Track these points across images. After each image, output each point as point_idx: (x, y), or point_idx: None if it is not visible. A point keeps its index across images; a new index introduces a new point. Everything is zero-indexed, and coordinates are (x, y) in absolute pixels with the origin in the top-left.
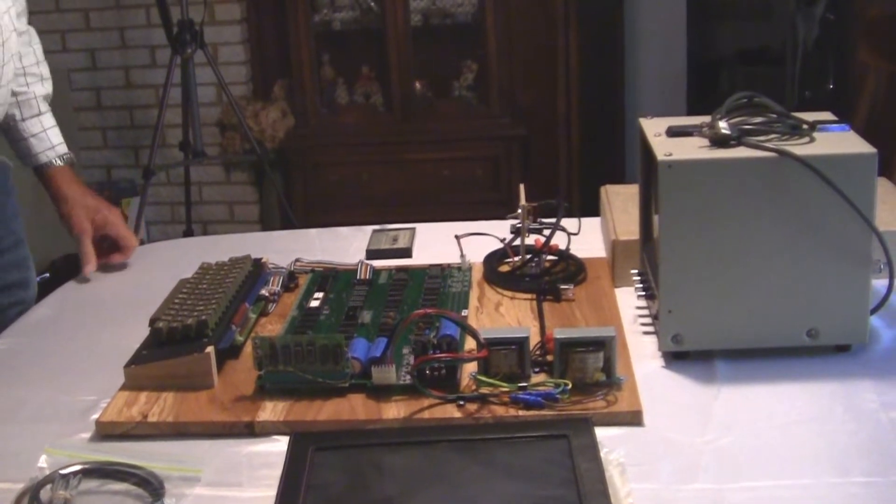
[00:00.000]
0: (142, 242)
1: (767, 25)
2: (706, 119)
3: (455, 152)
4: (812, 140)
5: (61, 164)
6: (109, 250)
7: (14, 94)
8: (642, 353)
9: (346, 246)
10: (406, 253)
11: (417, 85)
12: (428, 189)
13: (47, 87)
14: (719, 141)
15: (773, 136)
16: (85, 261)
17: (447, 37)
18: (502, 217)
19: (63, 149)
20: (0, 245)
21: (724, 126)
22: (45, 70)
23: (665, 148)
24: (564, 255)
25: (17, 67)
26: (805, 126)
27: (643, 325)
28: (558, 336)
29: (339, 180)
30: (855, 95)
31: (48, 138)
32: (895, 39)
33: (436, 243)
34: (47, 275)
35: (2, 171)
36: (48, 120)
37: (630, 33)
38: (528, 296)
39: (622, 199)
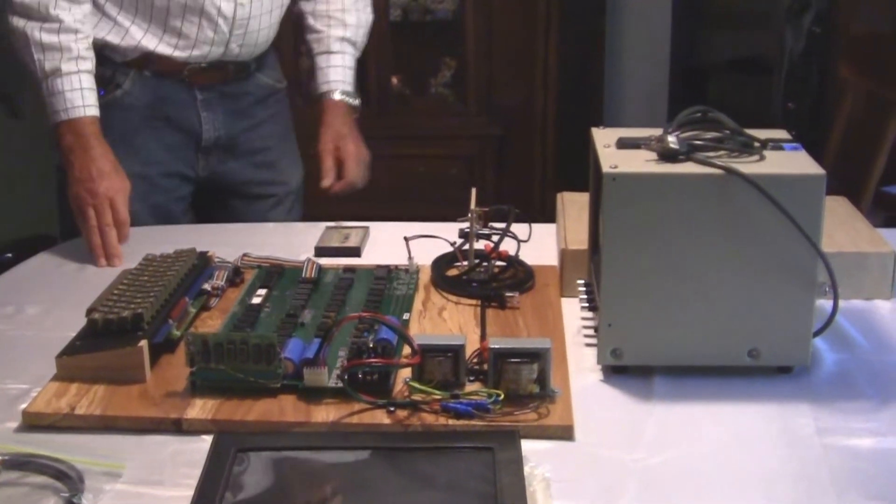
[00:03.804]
0: None
1: (756, 35)
2: (658, 132)
3: (430, 149)
4: (762, 158)
5: (336, 98)
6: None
7: (314, 31)
8: (582, 366)
9: (301, 241)
10: (355, 252)
11: (394, 80)
12: (402, 186)
13: (350, 32)
14: (667, 155)
15: (722, 152)
16: (322, 175)
17: (426, 33)
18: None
19: (340, 86)
20: None
21: (672, 140)
22: (350, 17)
23: (612, 160)
24: (514, 262)
25: (321, 10)
26: (756, 144)
27: (586, 336)
28: (493, 346)
29: (310, 173)
30: (834, 111)
31: (327, 75)
32: (875, 57)
33: (389, 243)
34: (10, 255)
35: None
36: (337, 59)
37: (612, 39)
38: (474, 302)
39: (577, 208)
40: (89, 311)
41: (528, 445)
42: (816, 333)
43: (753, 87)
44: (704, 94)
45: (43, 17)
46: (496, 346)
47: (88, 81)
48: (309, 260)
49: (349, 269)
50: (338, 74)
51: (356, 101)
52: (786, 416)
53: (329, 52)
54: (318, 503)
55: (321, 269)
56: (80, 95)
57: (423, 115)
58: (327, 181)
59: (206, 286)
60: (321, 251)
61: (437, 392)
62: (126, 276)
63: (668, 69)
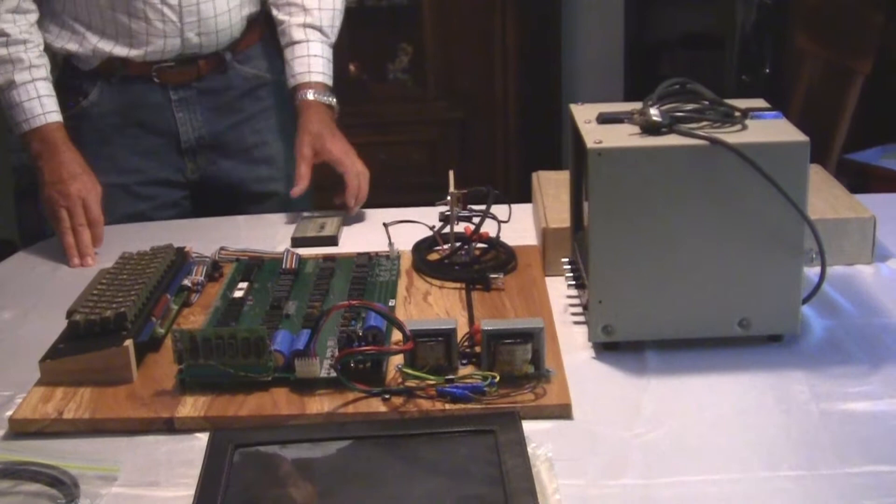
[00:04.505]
0: None
1: (706, 9)
2: (638, 106)
3: (391, 136)
4: (744, 128)
5: (309, 98)
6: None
7: (278, 22)
8: (572, 344)
9: (273, 233)
10: (332, 241)
11: (352, 67)
12: None
13: (312, 18)
14: (650, 128)
15: (704, 123)
16: (295, 181)
17: (382, 19)
18: (435, 203)
19: (307, 77)
20: None
21: (655, 113)
22: (309, 1)
23: (595, 135)
24: (494, 243)
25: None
26: (737, 114)
27: (573, 314)
28: (486, 328)
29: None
30: (791, 81)
31: (293, 67)
32: (832, 27)
33: (364, 230)
34: None
35: None
36: (301, 49)
37: (568, 16)
38: (458, 285)
39: (554, 186)
40: (70, 313)
41: (527, 426)
42: (805, 301)
43: (706, 61)
44: (658, 69)
45: None
46: (489, 328)
47: (45, 88)
48: (288, 251)
49: (329, 258)
50: (302, 66)
51: (330, 99)
52: (780, 384)
53: (292, 43)
54: (322, 496)
55: (301, 260)
56: (38, 104)
57: (382, 101)
58: (296, 189)
59: (186, 282)
60: (298, 241)
61: (431, 377)
62: (104, 275)
63: (623, 45)
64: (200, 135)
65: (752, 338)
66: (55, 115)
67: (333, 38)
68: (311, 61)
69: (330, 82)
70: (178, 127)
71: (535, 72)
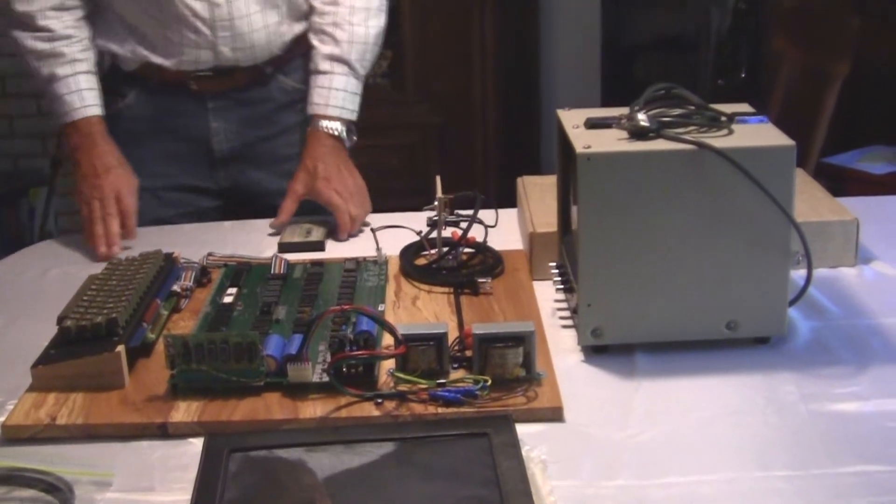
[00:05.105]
0: (50, 234)
1: (681, 13)
2: (624, 111)
3: (370, 140)
4: (730, 132)
5: (320, 127)
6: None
7: (311, 47)
8: (562, 348)
9: (260, 238)
10: (319, 246)
11: None
12: None
13: (341, 49)
14: (638, 133)
15: (691, 128)
16: (278, 213)
17: None
18: (419, 206)
19: (322, 110)
20: None
21: (642, 118)
22: (341, 33)
23: (584, 140)
24: (482, 248)
25: (317, 23)
26: (723, 118)
27: (562, 318)
28: (477, 332)
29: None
30: (768, 84)
31: (311, 97)
32: (809, 29)
33: (351, 235)
34: None
35: None
36: (322, 80)
37: (545, 20)
38: (446, 289)
39: (539, 190)
40: (61, 319)
41: (520, 429)
42: (791, 303)
43: (682, 65)
44: (634, 73)
45: (33, 28)
46: (480, 332)
47: (87, 82)
48: (276, 256)
49: (317, 263)
50: (321, 97)
51: (339, 130)
52: (769, 385)
53: (317, 72)
54: (318, 499)
55: (289, 265)
56: (78, 97)
57: (361, 106)
58: (274, 221)
59: (176, 287)
60: (285, 247)
61: (423, 381)
62: (93, 281)
63: (600, 48)
64: (233, 145)
65: (740, 340)
66: (95, 108)
67: (363, 72)
68: (331, 94)
69: (350, 116)
70: (211, 136)
71: (513, 75)
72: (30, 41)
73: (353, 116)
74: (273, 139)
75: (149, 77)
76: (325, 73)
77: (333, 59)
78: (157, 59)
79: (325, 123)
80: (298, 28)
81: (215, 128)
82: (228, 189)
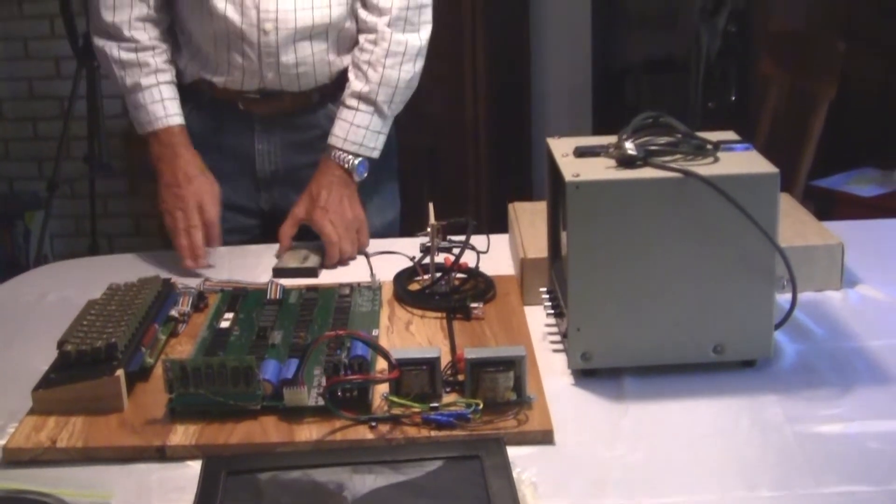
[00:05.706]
0: (46, 257)
1: (671, 36)
2: (613, 139)
3: None
4: (716, 160)
5: (331, 156)
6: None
7: (347, 80)
8: (552, 371)
9: (256, 263)
10: (312, 273)
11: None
12: None
13: (369, 88)
14: (626, 161)
15: (678, 156)
16: (279, 240)
17: None
18: (410, 230)
19: (339, 143)
20: None
21: (630, 147)
22: (373, 73)
23: (573, 168)
24: (474, 273)
25: (356, 58)
26: (709, 146)
27: (552, 342)
28: (469, 356)
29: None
30: (757, 107)
31: (333, 128)
32: (797, 53)
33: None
34: None
35: None
36: (347, 114)
37: (536, 43)
38: (439, 314)
39: (530, 216)
40: (61, 343)
41: (510, 451)
42: (777, 326)
43: (672, 88)
44: (625, 95)
45: (120, 38)
46: (472, 357)
47: (169, 92)
48: (272, 281)
49: (312, 289)
50: (341, 130)
51: (350, 162)
52: (755, 407)
53: (343, 106)
54: None
55: (285, 290)
56: (161, 107)
57: None
58: (280, 247)
59: (173, 312)
60: (279, 272)
61: (416, 405)
62: (93, 306)
63: (591, 72)
64: (276, 168)
65: (727, 363)
66: (177, 118)
67: (390, 113)
68: (351, 129)
69: (368, 153)
70: (255, 156)
71: (504, 100)
72: (116, 51)
73: (374, 154)
74: (316, 165)
75: (202, 92)
76: (350, 108)
77: (361, 97)
78: (207, 76)
79: (338, 154)
80: (348, 60)
81: (260, 149)
82: (270, 211)
